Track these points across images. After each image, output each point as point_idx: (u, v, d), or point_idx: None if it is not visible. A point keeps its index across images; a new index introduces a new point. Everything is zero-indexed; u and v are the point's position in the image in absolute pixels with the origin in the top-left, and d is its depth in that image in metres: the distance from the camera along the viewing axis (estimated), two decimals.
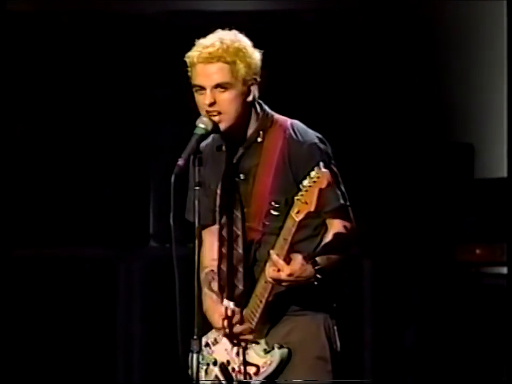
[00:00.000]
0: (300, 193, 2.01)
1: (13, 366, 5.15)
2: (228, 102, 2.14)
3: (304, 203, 1.99)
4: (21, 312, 5.28)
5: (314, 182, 1.98)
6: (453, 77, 5.81)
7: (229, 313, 2.20)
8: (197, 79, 2.15)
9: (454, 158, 5.71)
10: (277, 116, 2.27)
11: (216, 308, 2.25)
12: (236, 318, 2.20)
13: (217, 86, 2.13)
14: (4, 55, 5.29)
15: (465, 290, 5.22)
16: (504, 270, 4.99)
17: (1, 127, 5.32)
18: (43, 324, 5.30)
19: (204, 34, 2.22)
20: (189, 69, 2.16)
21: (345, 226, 2.19)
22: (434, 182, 5.63)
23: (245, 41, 2.18)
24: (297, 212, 2.01)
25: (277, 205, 2.18)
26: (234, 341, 2.23)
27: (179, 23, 5.61)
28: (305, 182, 2.00)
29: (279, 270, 2.05)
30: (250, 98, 2.19)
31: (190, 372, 2.16)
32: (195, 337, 2.11)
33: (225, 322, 2.20)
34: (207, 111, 2.14)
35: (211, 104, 2.13)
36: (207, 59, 2.11)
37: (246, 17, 5.10)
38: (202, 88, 2.14)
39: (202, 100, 2.14)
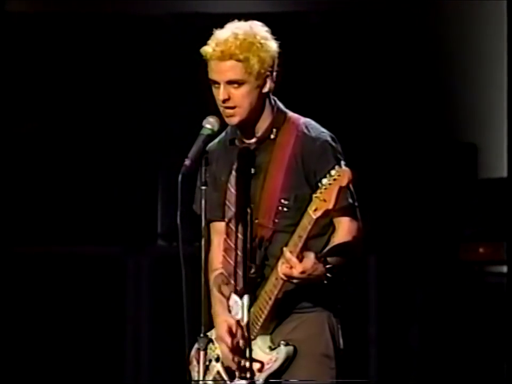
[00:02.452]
0: (318, 190, 1.97)
1: (24, 361, 5.18)
2: (242, 97, 2.13)
3: (323, 201, 1.96)
4: (31, 309, 5.30)
5: (334, 180, 1.94)
6: (457, 77, 5.80)
7: (234, 330, 2.17)
8: (212, 74, 2.14)
9: (458, 158, 5.70)
10: (290, 114, 2.26)
11: (225, 319, 2.20)
12: (240, 337, 2.18)
13: (231, 82, 2.12)
14: (3, 56, 5.30)
15: (468, 288, 5.21)
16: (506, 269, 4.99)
17: (3, 127, 5.33)
18: (53, 320, 5.31)
19: (209, 37, 2.21)
20: (207, 62, 2.16)
21: (353, 226, 2.18)
22: (438, 181, 5.62)
23: (260, 33, 2.16)
24: (315, 210, 1.97)
25: (286, 202, 2.17)
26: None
27: (184, 25, 5.61)
28: (325, 180, 1.96)
29: (291, 267, 2.02)
30: (266, 89, 2.18)
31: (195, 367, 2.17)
32: (202, 335, 2.10)
33: (229, 340, 2.16)
34: (224, 107, 2.14)
35: (225, 100, 2.13)
36: (219, 57, 2.11)
37: (251, 20, 5.09)
38: (217, 82, 2.14)
39: (217, 94, 2.15)
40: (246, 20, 2.21)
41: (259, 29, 2.17)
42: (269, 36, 2.17)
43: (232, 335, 2.16)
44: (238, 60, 2.10)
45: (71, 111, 5.77)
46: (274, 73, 2.19)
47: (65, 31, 5.76)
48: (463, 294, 5.15)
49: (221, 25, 2.20)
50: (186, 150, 2.15)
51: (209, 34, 2.22)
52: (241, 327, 2.17)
